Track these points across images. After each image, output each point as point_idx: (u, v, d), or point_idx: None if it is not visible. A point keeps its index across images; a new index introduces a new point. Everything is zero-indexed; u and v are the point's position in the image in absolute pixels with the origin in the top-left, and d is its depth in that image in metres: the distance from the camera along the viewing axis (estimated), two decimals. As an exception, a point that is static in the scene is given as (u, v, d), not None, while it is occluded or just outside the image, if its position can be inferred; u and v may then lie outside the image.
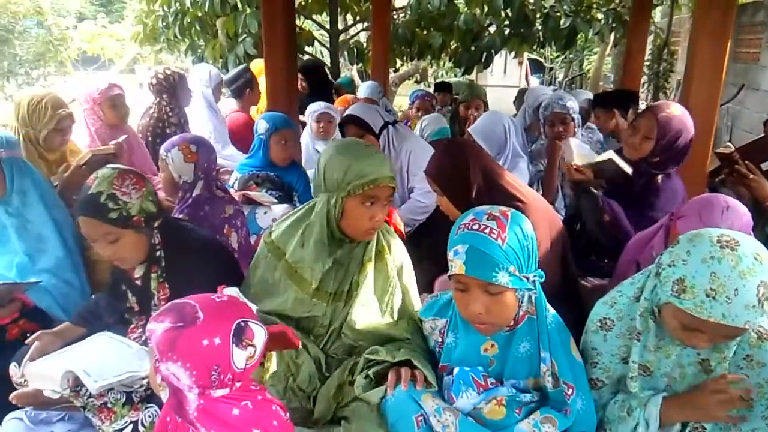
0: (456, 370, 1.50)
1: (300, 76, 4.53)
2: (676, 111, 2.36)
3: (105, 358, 1.56)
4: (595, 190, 2.33)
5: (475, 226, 1.37)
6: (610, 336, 1.45)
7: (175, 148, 2.31)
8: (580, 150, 2.51)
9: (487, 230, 1.35)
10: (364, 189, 1.62)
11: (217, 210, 2.33)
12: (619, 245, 2.15)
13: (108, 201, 1.64)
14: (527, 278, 1.37)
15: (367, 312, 1.70)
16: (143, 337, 1.70)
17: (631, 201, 2.36)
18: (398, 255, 1.82)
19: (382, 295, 1.73)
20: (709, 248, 1.19)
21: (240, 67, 4.35)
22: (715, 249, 1.18)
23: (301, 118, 3.98)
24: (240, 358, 1.09)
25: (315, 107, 3.72)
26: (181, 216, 2.25)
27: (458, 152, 2.00)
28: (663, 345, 1.38)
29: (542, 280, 1.43)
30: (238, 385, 1.11)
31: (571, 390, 1.40)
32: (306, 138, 3.80)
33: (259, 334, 1.13)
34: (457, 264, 1.35)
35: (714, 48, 2.53)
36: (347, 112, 3.20)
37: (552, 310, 1.50)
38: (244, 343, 1.10)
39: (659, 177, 2.38)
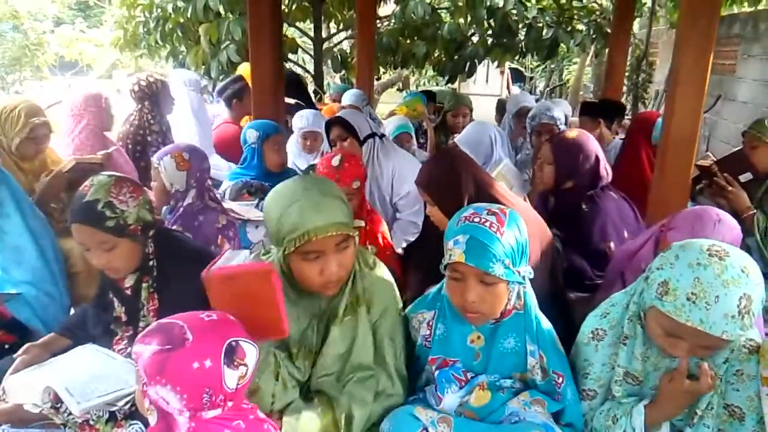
0: (436, 373, 1.54)
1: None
2: (571, 134, 2.42)
3: (89, 374, 1.52)
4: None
5: (476, 219, 1.43)
6: (601, 345, 1.45)
7: (168, 155, 2.28)
8: (504, 171, 2.53)
9: (487, 224, 1.41)
10: (296, 245, 1.37)
11: (210, 220, 2.29)
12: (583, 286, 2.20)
13: (105, 209, 1.60)
14: (519, 272, 1.43)
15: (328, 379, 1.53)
16: (128, 349, 1.66)
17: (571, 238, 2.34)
18: (378, 301, 1.57)
19: (347, 356, 1.52)
20: (698, 255, 1.20)
21: (233, 76, 4.28)
22: (703, 256, 1.19)
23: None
24: (232, 378, 1.06)
25: (301, 123, 3.65)
26: (174, 226, 2.21)
27: (450, 162, 2.00)
28: (651, 355, 1.38)
29: (531, 276, 1.49)
30: (230, 404, 1.08)
31: (561, 378, 1.46)
32: (292, 147, 3.75)
33: (251, 353, 1.10)
34: (456, 252, 1.40)
35: (698, 58, 2.53)
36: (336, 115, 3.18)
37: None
38: (235, 363, 1.07)
39: (582, 205, 2.35)
